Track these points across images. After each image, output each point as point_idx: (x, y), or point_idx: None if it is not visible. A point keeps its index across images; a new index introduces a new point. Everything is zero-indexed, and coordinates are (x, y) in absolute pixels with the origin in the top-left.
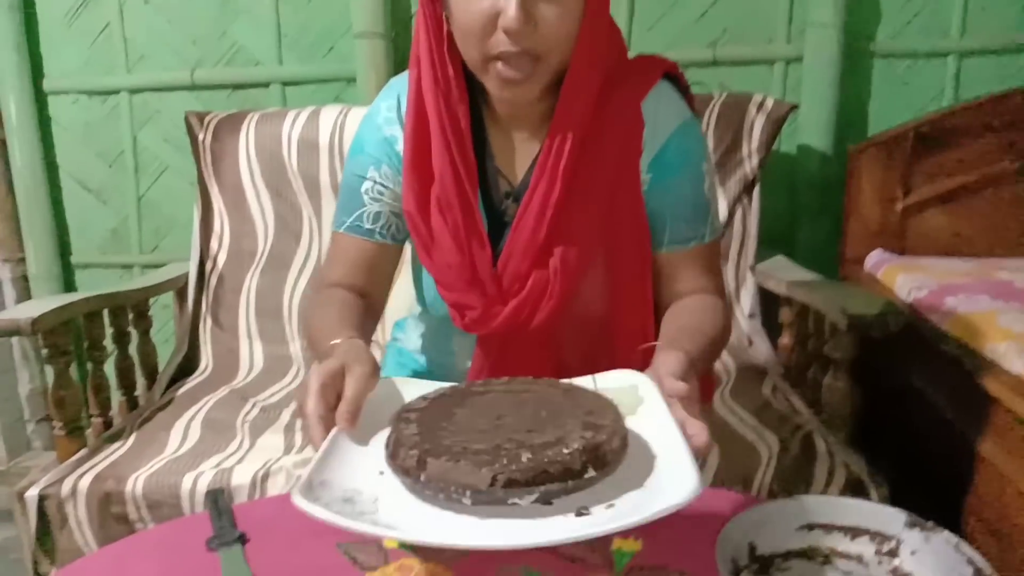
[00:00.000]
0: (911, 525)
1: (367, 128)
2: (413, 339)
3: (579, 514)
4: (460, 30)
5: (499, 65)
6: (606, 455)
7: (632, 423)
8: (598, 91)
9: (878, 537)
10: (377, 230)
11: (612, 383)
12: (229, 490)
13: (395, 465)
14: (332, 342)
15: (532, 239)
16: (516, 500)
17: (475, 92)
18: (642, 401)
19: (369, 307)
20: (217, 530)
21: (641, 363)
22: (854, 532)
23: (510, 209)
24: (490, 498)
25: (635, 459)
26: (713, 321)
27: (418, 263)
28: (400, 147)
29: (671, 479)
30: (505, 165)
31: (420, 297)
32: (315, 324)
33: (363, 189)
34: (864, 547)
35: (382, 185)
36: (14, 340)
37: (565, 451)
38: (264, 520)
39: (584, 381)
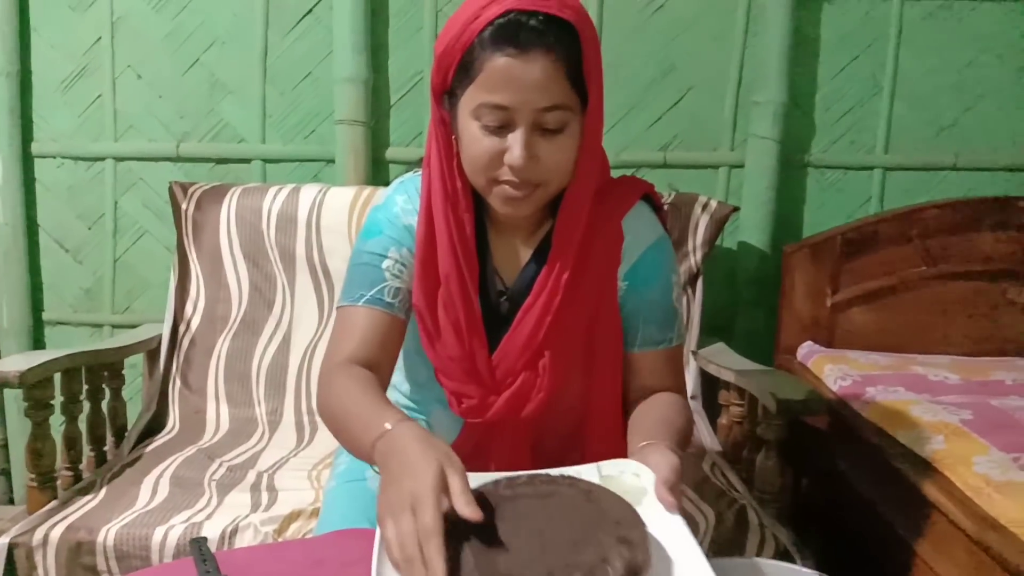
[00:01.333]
0: None
1: (383, 216)
2: (398, 400)
3: None
4: (468, 159)
5: (504, 187)
6: (640, 569)
7: (641, 513)
8: (592, 207)
9: None
10: (396, 304)
11: (615, 471)
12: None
13: None
14: (384, 426)
15: (529, 342)
16: None
17: (478, 198)
18: (645, 492)
19: (383, 381)
20: (202, 574)
21: (611, 449)
22: None
23: (503, 306)
24: None
25: (655, 559)
26: (680, 415)
27: (418, 345)
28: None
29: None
30: (501, 266)
31: (413, 377)
32: (348, 403)
33: (384, 266)
34: None
35: (402, 264)
36: None
37: (610, 571)
38: (244, 565)
39: (588, 470)
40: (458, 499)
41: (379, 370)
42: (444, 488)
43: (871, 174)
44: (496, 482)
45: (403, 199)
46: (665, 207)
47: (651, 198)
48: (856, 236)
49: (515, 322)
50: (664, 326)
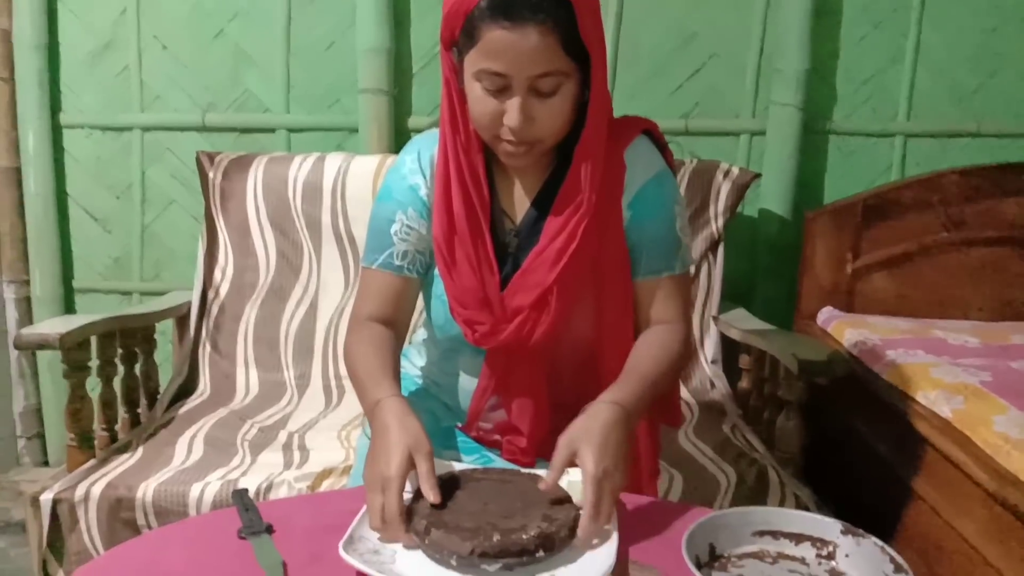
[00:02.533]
0: (845, 532)
1: (394, 179)
2: (416, 364)
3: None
4: (473, 117)
5: (504, 144)
6: (555, 541)
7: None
8: (603, 159)
9: (818, 542)
10: (405, 266)
11: (578, 477)
12: None
13: (409, 527)
14: (376, 398)
15: (541, 281)
16: (486, 567)
17: (485, 143)
18: None
19: (398, 336)
20: (246, 522)
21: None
22: (798, 538)
23: (512, 244)
24: (468, 563)
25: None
26: (657, 358)
27: (429, 294)
28: (423, 193)
29: (594, 562)
30: (507, 206)
31: (430, 322)
32: (359, 364)
33: (392, 231)
34: (806, 551)
35: (408, 227)
36: (12, 359)
37: (524, 536)
38: (285, 515)
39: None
40: (423, 482)
41: (395, 326)
42: (410, 469)
43: (892, 141)
44: (473, 469)
45: (410, 159)
46: (668, 146)
47: (652, 134)
48: (878, 202)
49: (526, 263)
50: (666, 255)
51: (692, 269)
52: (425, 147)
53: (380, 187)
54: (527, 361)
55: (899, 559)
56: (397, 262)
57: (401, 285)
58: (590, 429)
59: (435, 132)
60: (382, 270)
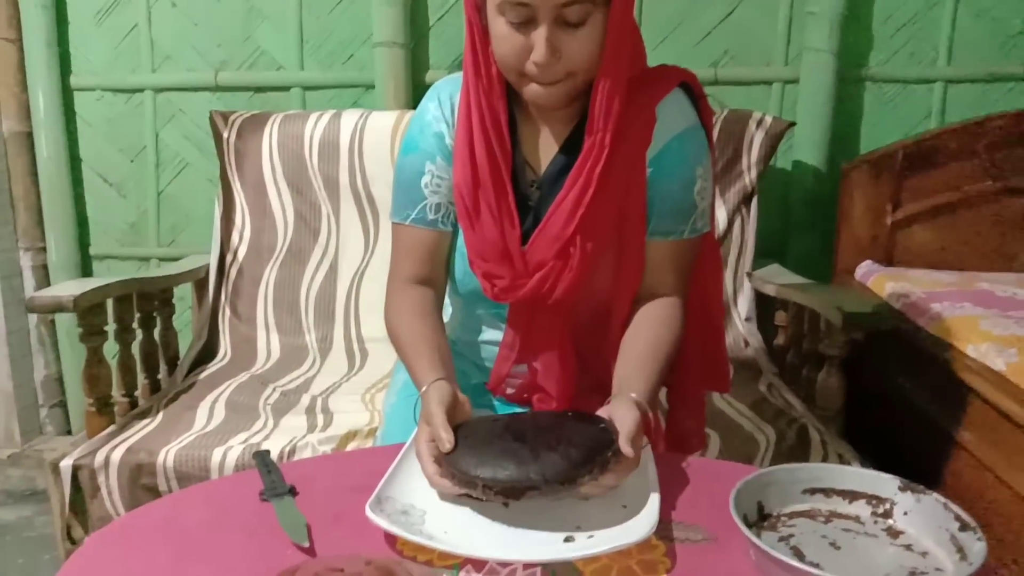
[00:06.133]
0: (904, 489)
1: (418, 127)
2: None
3: (567, 540)
4: (497, 56)
5: (532, 85)
6: (596, 465)
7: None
8: (624, 99)
9: (874, 500)
10: (439, 219)
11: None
12: None
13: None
14: (422, 383)
15: (561, 234)
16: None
17: (509, 88)
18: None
19: (438, 295)
20: (268, 484)
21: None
22: (852, 496)
23: (534, 196)
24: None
25: (621, 497)
26: (665, 341)
27: (451, 245)
28: (448, 141)
29: (638, 522)
30: (531, 156)
31: (451, 276)
32: (403, 338)
33: (423, 183)
34: (861, 509)
35: (439, 177)
36: (31, 326)
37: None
38: (308, 476)
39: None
40: (437, 433)
41: (434, 283)
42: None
43: (932, 88)
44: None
45: (434, 106)
46: (708, 98)
47: (690, 87)
48: (918, 151)
49: (547, 214)
50: (677, 218)
51: (724, 222)
52: (450, 93)
53: (403, 137)
54: (549, 318)
55: (965, 516)
56: (431, 216)
57: (436, 240)
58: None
59: (458, 76)
60: (416, 226)
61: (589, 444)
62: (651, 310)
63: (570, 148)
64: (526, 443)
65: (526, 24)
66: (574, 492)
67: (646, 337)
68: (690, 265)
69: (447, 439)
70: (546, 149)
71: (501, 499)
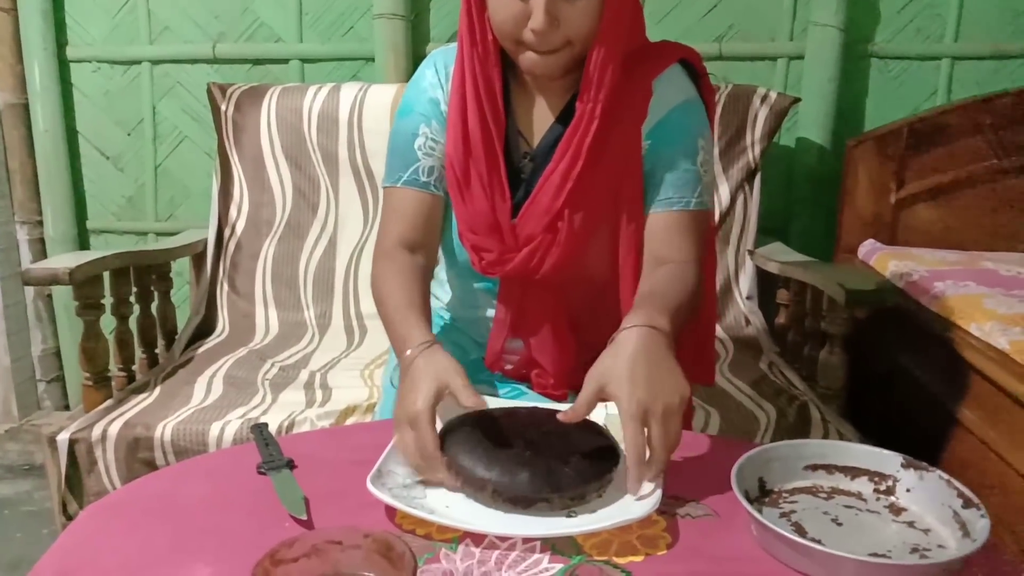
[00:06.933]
0: (907, 466)
1: (414, 92)
2: (441, 299)
3: (569, 515)
4: (494, 23)
5: (529, 54)
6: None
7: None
8: (619, 71)
9: (876, 476)
10: (432, 182)
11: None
12: None
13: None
14: (407, 348)
15: (550, 206)
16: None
17: (504, 58)
18: None
19: (427, 262)
20: (266, 457)
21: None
22: (854, 472)
23: (526, 168)
24: (502, 500)
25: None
26: (673, 283)
27: (444, 216)
28: (444, 107)
29: (638, 500)
30: (525, 127)
31: (446, 248)
32: (388, 302)
33: (416, 145)
34: (863, 486)
35: (433, 140)
36: (29, 301)
37: (563, 478)
38: (306, 450)
39: (596, 412)
40: (461, 394)
41: (424, 249)
42: (438, 401)
43: (938, 65)
44: (511, 408)
45: (431, 72)
46: (709, 74)
47: (690, 63)
48: (924, 128)
49: (536, 187)
50: (681, 188)
51: (726, 204)
52: (445, 61)
53: (401, 102)
54: (541, 293)
55: (968, 493)
56: (423, 178)
57: (428, 203)
58: (616, 361)
59: (455, 46)
60: (408, 187)
61: (597, 458)
62: (655, 270)
63: (565, 119)
64: (538, 452)
65: None
66: (580, 503)
67: (647, 282)
68: (702, 239)
69: (475, 401)
70: (540, 120)
71: (507, 505)
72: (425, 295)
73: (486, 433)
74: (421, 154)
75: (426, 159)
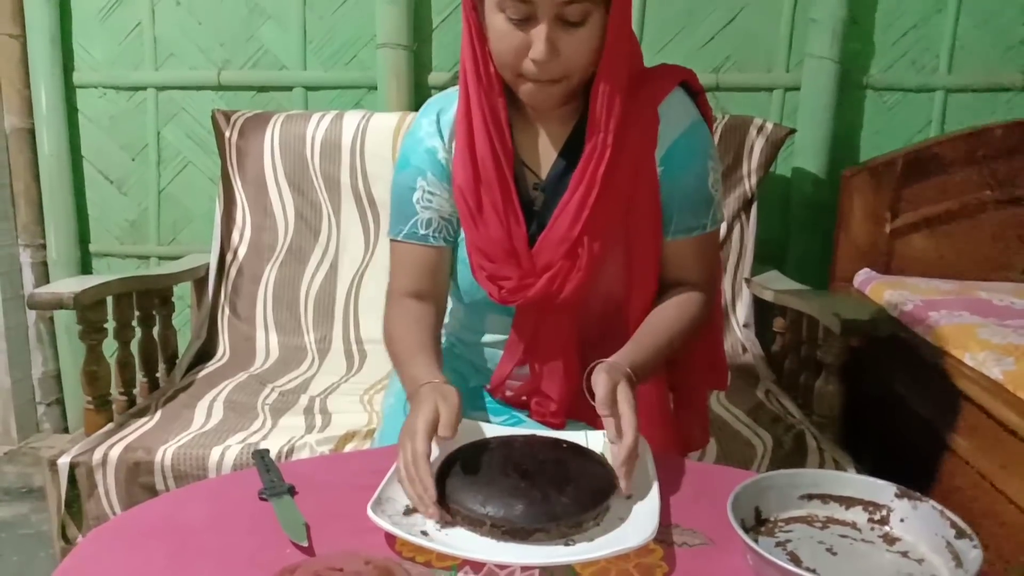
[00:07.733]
0: (900, 496)
1: (411, 143)
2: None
3: (567, 544)
4: (495, 53)
5: (529, 84)
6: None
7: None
8: (625, 99)
9: (870, 506)
10: (430, 235)
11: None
12: None
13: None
14: (415, 387)
15: (567, 235)
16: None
17: (506, 91)
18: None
19: (436, 309)
20: (267, 483)
21: None
22: (848, 502)
23: (538, 200)
24: (498, 532)
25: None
26: (676, 321)
27: (454, 259)
28: (441, 156)
29: (636, 527)
30: (530, 159)
31: (456, 287)
32: (397, 346)
33: (414, 199)
34: (857, 515)
35: (430, 193)
36: (30, 323)
37: (557, 509)
38: (307, 476)
39: (595, 436)
40: (442, 427)
41: (431, 297)
42: (437, 420)
43: (932, 96)
44: (507, 437)
45: (427, 121)
46: (705, 93)
47: (688, 84)
48: (918, 158)
49: (553, 217)
50: (698, 212)
51: (723, 227)
52: (442, 108)
53: (398, 154)
54: (557, 320)
55: (961, 523)
56: (421, 231)
57: (430, 256)
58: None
59: (452, 92)
60: (408, 241)
61: (594, 486)
62: (667, 298)
63: (570, 150)
64: (534, 482)
65: (526, 21)
66: (577, 532)
67: (651, 317)
68: (714, 256)
69: (423, 465)
70: (545, 152)
71: (506, 538)
72: (436, 338)
73: (482, 464)
74: (419, 207)
75: (424, 212)
